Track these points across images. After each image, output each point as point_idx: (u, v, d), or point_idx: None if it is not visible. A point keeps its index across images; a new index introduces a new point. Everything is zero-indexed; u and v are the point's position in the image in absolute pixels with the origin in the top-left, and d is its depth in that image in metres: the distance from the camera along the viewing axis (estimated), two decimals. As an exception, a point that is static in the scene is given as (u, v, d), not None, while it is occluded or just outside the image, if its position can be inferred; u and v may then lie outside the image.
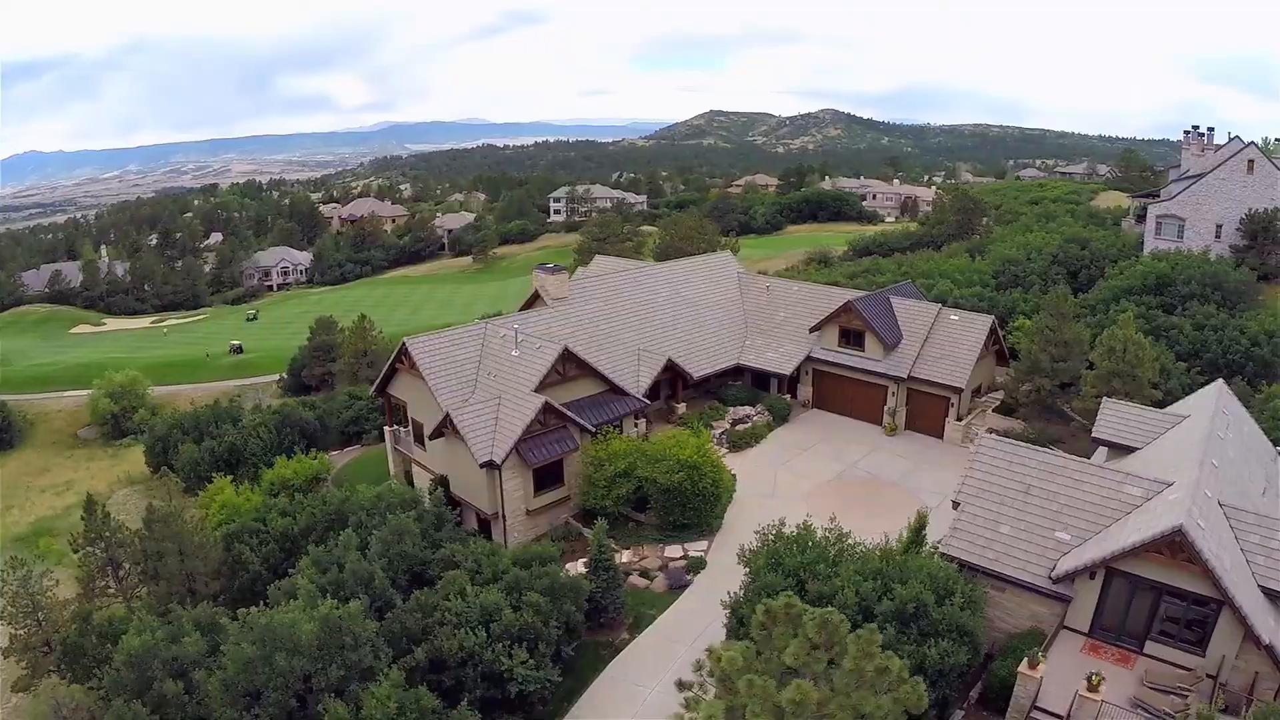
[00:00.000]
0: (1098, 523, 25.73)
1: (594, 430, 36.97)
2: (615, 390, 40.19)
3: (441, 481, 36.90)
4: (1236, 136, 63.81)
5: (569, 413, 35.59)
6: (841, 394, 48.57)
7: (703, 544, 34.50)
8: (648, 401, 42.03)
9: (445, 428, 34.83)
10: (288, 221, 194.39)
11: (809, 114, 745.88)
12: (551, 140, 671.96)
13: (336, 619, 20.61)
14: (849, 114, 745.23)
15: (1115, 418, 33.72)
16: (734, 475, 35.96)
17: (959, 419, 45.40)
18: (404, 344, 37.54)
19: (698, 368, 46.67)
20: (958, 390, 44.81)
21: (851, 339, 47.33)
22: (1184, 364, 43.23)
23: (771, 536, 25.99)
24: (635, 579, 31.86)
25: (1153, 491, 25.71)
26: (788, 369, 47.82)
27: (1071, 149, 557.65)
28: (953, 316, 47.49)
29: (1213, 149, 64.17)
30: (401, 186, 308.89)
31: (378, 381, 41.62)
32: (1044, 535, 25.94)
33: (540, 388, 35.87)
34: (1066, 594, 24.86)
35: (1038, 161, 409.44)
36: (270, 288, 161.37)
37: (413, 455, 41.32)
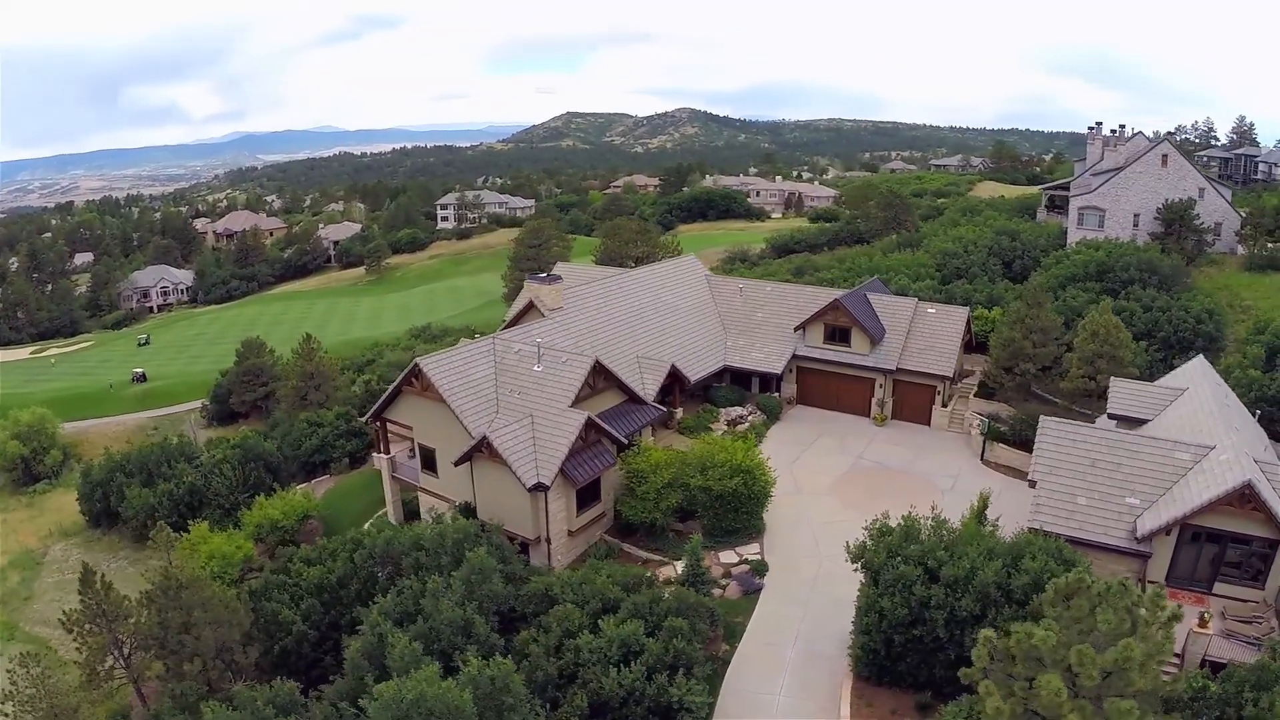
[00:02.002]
0: (1159, 486, 28.23)
1: (626, 442, 36.08)
2: (634, 400, 39.41)
3: (465, 509, 34.95)
4: (1140, 132, 69.54)
5: (607, 426, 34.55)
6: (827, 389, 49.56)
7: (754, 546, 34.37)
8: (663, 409, 41.43)
9: (479, 451, 32.98)
10: (163, 239, 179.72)
11: (666, 113, 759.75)
12: (409, 146, 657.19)
13: (489, 680, 18.91)
14: (706, 112, 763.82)
15: (1125, 394, 36.31)
16: (775, 476, 35.80)
17: (944, 406, 47.23)
18: (417, 365, 35.25)
19: (693, 371, 46.44)
20: (945, 379, 46.69)
21: (837, 335, 48.34)
22: (1142, 343, 46.42)
23: (877, 531, 26.08)
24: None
25: (1199, 455, 28.53)
26: (778, 367, 48.35)
27: (925, 141, 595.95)
28: (930, 310, 49.38)
29: (1124, 144, 69.58)
30: (268, 198, 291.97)
31: (377, 406, 38.91)
32: (1116, 502, 28.23)
33: (574, 402, 34.65)
34: (1147, 550, 27.11)
35: (895, 154, 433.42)
36: (151, 309, 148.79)
37: (418, 484, 38.94)
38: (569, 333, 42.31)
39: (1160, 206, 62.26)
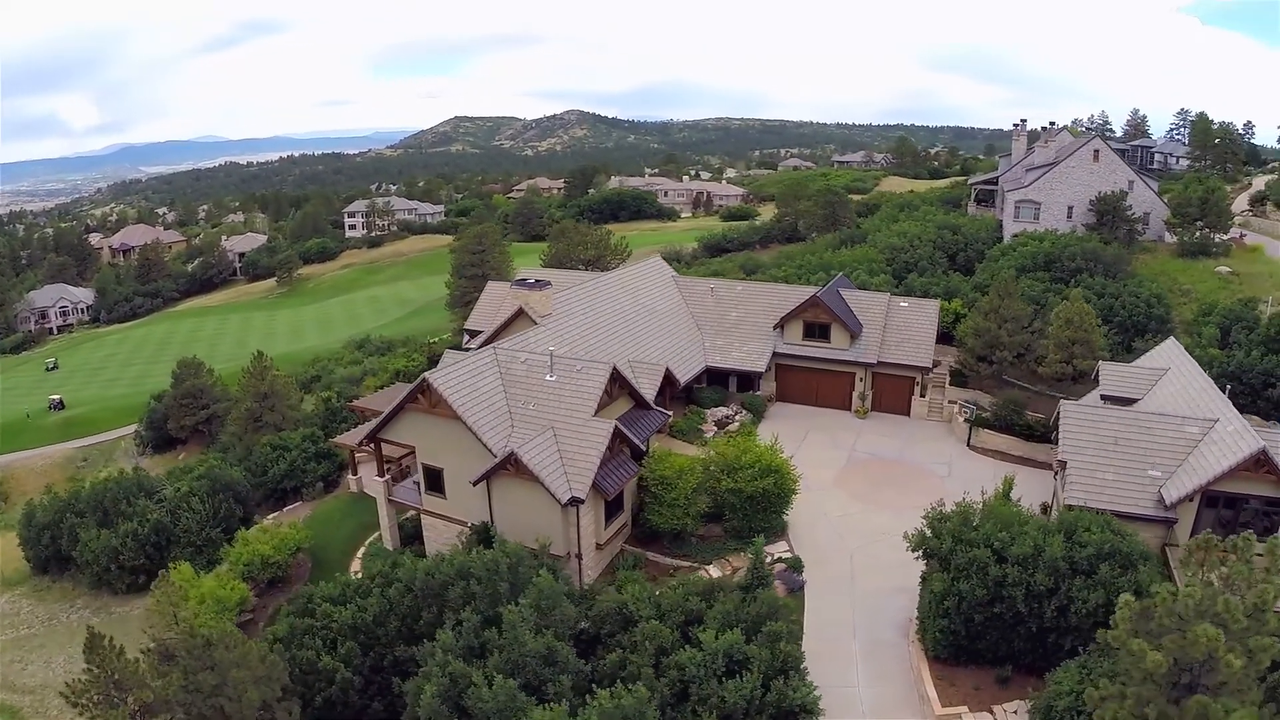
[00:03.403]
0: (1176, 458, 30.40)
1: (645, 450, 35.52)
2: (642, 405, 38.86)
3: (480, 530, 33.55)
4: (1065, 128, 73.29)
5: (630, 434, 33.91)
6: (806, 385, 50.19)
7: (782, 544, 34.58)
8: (668, 414, 40.99)
9: (504, 468, 31.70)
10: (58, 256, 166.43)
11: (555, 115, 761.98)
12: (296, 155, 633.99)
13: (623, 710, 18.05)
14: (594, 114, 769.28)
15: (1114, 376, 38.47)
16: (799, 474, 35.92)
17: (922, 396, 48.57)
18: (426, 380, 33.51)
19: (681, 374, 46.17)
20: (924, 370, 47.97)
21: (817, 331, 49.00)
22: (1103, 328, 48.92)
23: (934, 520, 26.64)
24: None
25: (1206, 428, 30.85)
26: (761, 366, 48.62)
27: (813, 137, 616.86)
28: (903, 303, 50.74)
29: (1054, 139, 73.25)
30: (158, 211, 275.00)
31: (375, 426, 36.87)
32: (1139, 475, 30.31)
33: (595, 411, 33.84)
34: (1173, 517, 29.27)
35: (786, 151, 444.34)
36: (51, 330, 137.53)
37: (420, 506, 37.14)
38: (564, 339, 41.35)
39: (1093, 199, 66.03)
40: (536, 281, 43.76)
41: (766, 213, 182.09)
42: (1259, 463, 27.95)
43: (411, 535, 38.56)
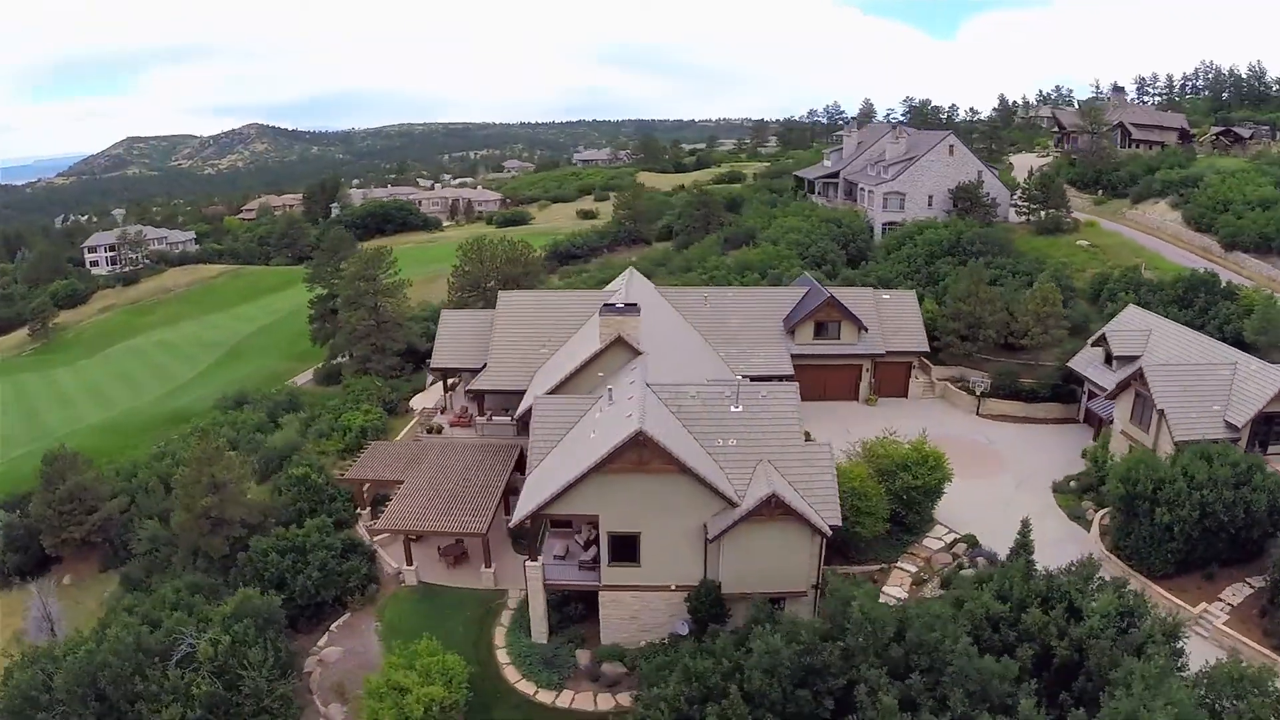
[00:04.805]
0: (1224, 394, 39.17)
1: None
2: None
3: (706, 590, 31.73)
4: (899, 123, 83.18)
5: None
6: (815, 380, 53.24)
7: (941, 529, 37.93)
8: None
9: (759, 513, 30.26)
10: None
11: (234, 131, 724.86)
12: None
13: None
14: (274, 126, 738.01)
15: (1118, 339, 46.43)
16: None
17: (916, 379, 54.20)
18: (640, 433, 29.81)
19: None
20: (920, 355, 53.47)
21: (827, 330, 52.42)
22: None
23: (1119, 470, 34.69)
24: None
25: (1231, 370, 40.05)
26: (787, 368, 50.74)
27: (499, 138, 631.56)
28: (885, 296, 55.87)
29: (905, 136, 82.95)
30: None
31: (544, 501, 31.38)
32: (1208, 410, 38.85)
33: (790, 436, 34.16)
34: (1238, 435, 37.87)
35: (469, 154, 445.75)
36: None
37: (600, 583, 33.29)
38: (661, 365, 40.35)
39: (951, 188, 76.48)
40: (626, 306, 41.42)
41: (546, 216, 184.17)
42: (1292, 390, 37.86)
43: (569, 617, 34.65)
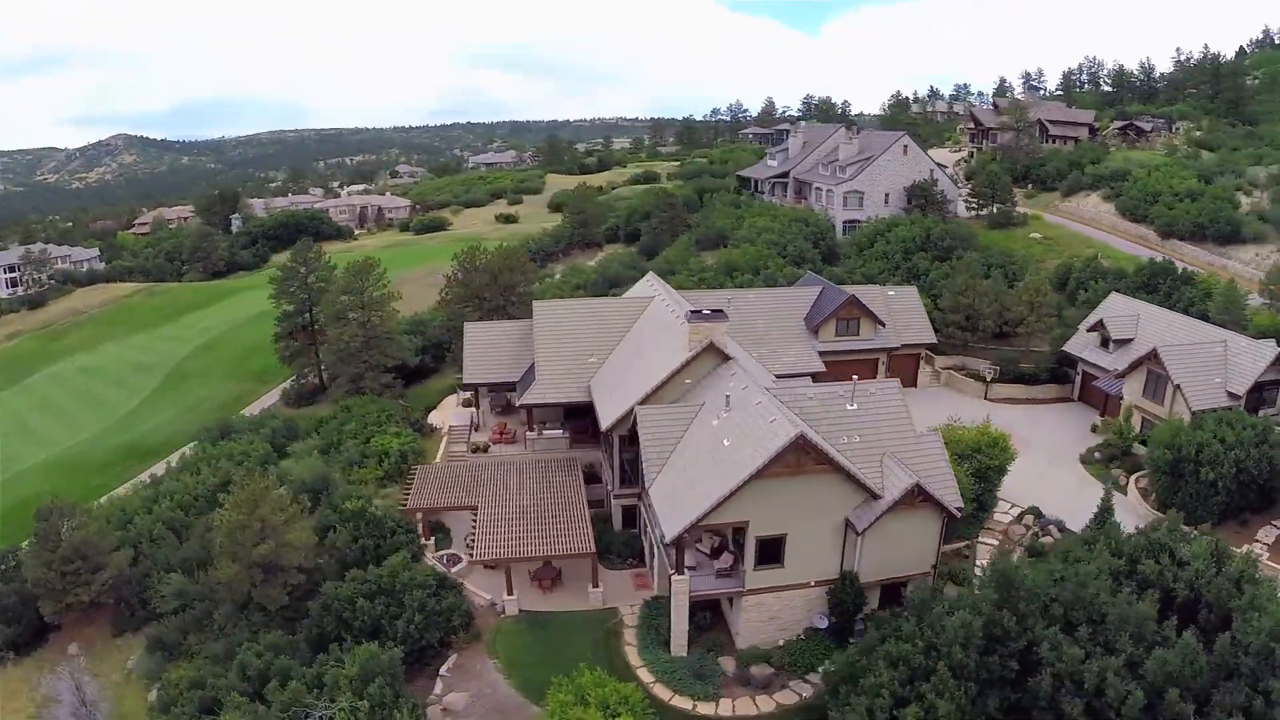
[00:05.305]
0: (1221, 369, 45.56)
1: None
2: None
3: (845, 583, 33.63)
4: (811, 122, 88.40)
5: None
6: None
7: (1006, 505, 42.14)
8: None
9: (903, 503, 32.74)
10: None
11: (100, 142, 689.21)
12: None
13: None
14: (142, 137, 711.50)
15: (1113, 325, 51.79)
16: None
17: (923, 369, 58.79)
18: (801, 437, 31.29)
19: (779, 385, 50.14)
20: (929, 346, 58.00)
21: (849, 327, 56.15)
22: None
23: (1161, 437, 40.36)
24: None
25: (1223, 348, 46.50)
26: (819, 365, 54.11)
27: (373, 143, 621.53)
28: (890, 292, 60.06)
29: (857, 137, 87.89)
30: None
31: (705, 510, 31.39)
32: (1210, 382, 45.37)
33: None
34: (1238, 404, 44.16)
35: (348, 161, 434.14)
36: None
37: (744, 588, 33.85)
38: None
39: (906, 187, 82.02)
40: (714, 312, 42.28)
41: (462, 221, 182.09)
42: (1277, 361, 44.48)
43: (699, 626, 34.84)
